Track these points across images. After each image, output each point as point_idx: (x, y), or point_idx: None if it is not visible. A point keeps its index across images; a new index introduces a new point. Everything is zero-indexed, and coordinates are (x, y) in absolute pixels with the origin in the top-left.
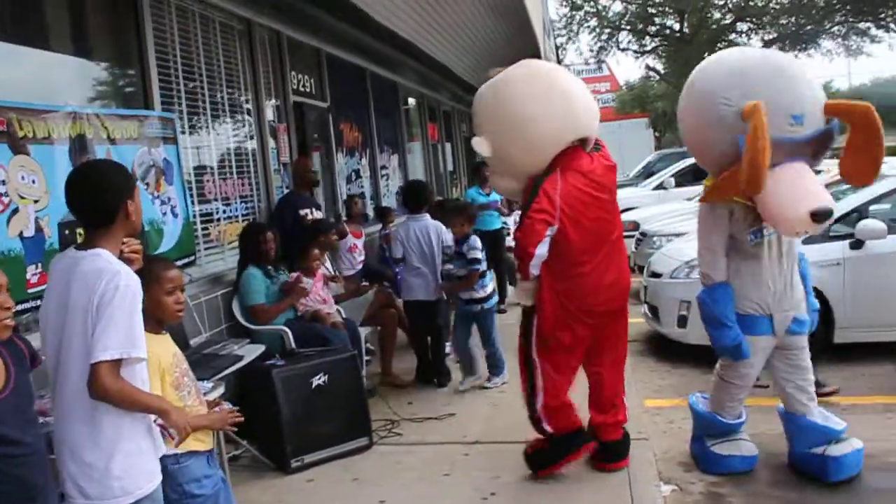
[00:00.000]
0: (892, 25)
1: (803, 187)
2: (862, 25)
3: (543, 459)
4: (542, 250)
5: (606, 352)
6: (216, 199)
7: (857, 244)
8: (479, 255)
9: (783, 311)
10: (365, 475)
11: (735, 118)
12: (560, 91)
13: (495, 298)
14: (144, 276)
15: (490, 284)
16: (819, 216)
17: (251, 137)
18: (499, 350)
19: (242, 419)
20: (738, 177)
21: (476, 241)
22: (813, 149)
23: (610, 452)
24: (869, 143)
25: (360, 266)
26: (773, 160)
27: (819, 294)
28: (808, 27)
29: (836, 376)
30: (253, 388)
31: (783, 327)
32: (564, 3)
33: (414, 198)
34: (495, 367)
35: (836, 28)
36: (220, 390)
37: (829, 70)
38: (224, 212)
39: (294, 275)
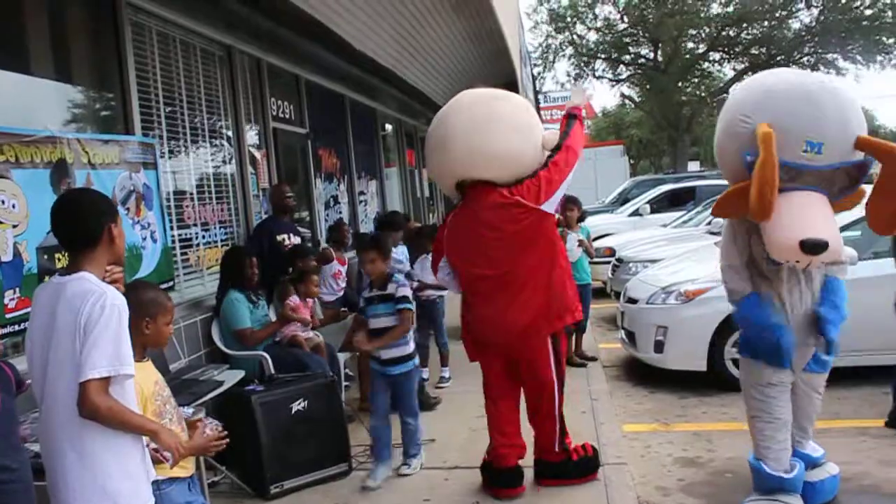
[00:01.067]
0: (858, 57)
1: (802, 216)
2: (829, 56)
3: (483, 476)
4: (440, 275)
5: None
6: (195, 224)
7: None
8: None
9: (801, 344)
10: (344, 501)
11: (749, 138)
12: (441, 136)
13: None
14: (131, 303)
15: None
16: (809, 248)
17: (230, 162)
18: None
19: (227, 442)
20: (747, 197)
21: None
22: (839, 181)
23: (539, 469)
24: (888, 193)
25: (340, 293)
26: (782, 185)
27: None
28: (779, 57)
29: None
30: (232, 414)
31: (803, 361)
32: (542, 30)
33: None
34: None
35: (804, 59)
36: (201, 415)
37: None
38: (203, 237)
39: (293, 299)
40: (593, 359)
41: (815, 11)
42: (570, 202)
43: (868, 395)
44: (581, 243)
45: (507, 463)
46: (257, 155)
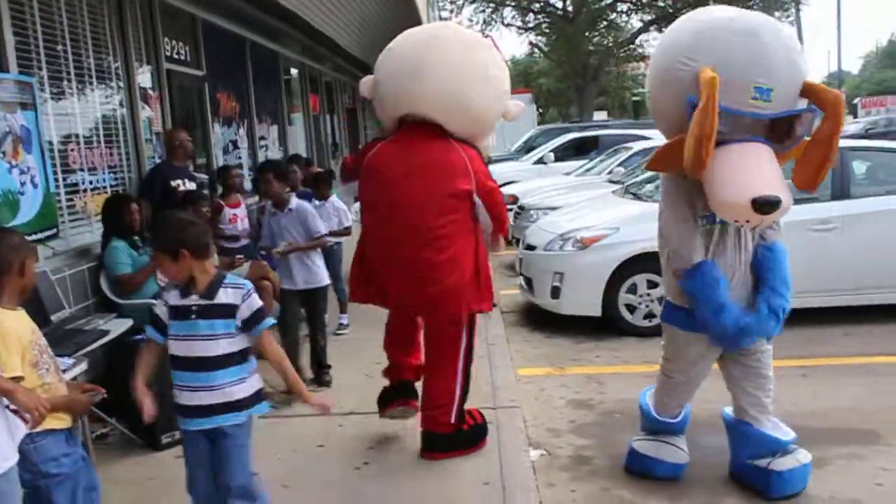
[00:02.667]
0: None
1: (751, 171)
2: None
3: (380, 401)
4: (346, 186)
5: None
6: (82, 170)
7: None
8: None
9: None
10: None
11: (692, 82)
12: (415, 63)
13: None
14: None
15: None
16: (762, 206)
17: (121, 105)
18: None
19: (105, 395)
20: (684, 150)
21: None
22: (782, 131)
23: (427, 441)
24: (825, 142)
25: (244, 240)
26: (726, 136)
27: None
28: (684, 10)
29: None
30: (121, 364)
31: None
32: None
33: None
34: None
35: None
36: (83, 367)
37: None
38: (91, 182)
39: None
40: (494, 305)
41: None
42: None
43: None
44: None
45: (404, 376)
46: (151, 97)
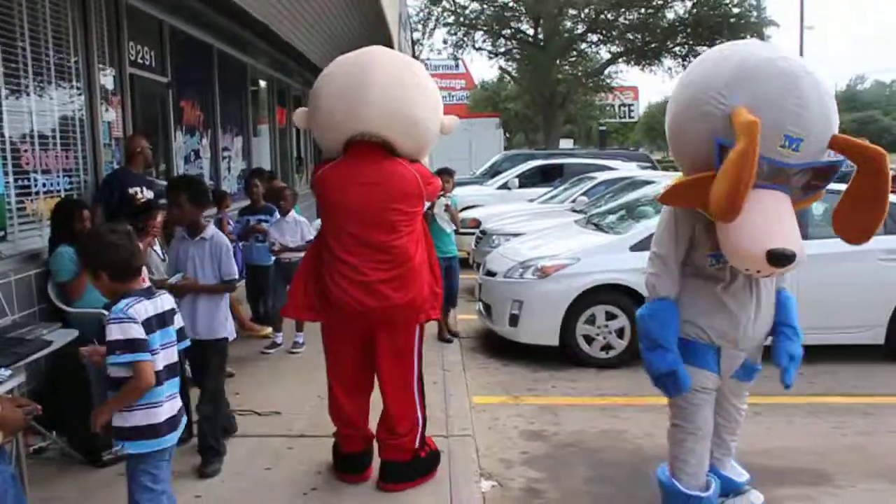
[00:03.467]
0: None
1: (770, 222)
2: (699, 49)
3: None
4: None
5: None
6: (35, 171)
7: None
8: None
9: (738, 349)
10: (182, 468)
11: (722, 121)
12: (358, 82)
13: None
14: None
15: None
16: (777, 259)
17: (80, 108)
18: None
19: (40, 411)
20: (708, 189)
21: None
22: (805, 181)
23: (386, 471)
24: (872, 196)
25: None
26: None
27: (642, 300)
28: (653, 45)
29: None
30: (64, 376)
31: (731, 368)
32: None
33: None
34: None
35: (676, 48)
36: (20, 378)
37: (668, 87)
38: (44, 185)
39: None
40: (456, 335)
41: (689, 4)
42: (444, 172)
43: None
44: (447, 209)
45: (352, 448)
46: (112, 101)
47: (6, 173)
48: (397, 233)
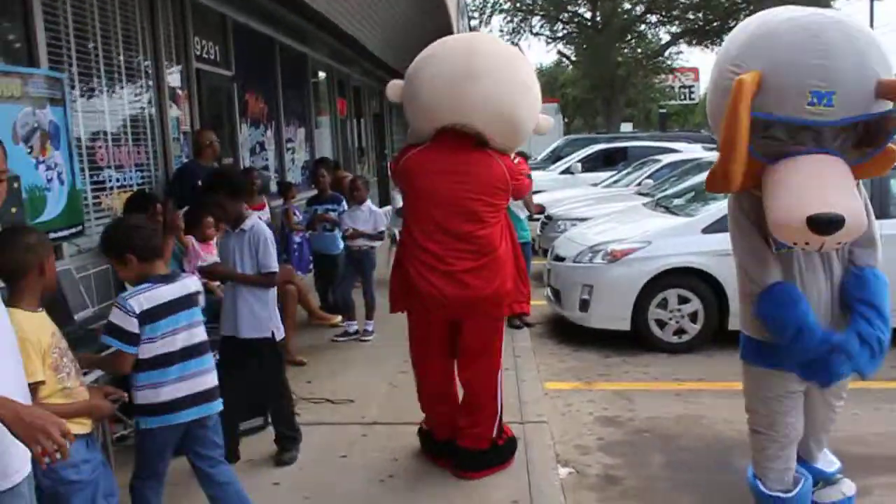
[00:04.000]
0: None
1: (808, 186)
2: None
3: (425, 445)
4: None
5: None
6: (109, 167)
7: None
8: None
9: None
10: (259, 456)
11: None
12: (465, 69)
13: None
14: (23, 248)
15: None
16: (820, 225)
17: (149, 104)
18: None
19: (126, 397)
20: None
21: None
22: (857, 139)
23: (464, 459)
24: None
25: None
26: (790, 147)
27: (715, 283)
28: (714, 23)
29: (728, 362)
30: None
31: None
32: None
33: None
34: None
35: None
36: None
37: None
38: (117, 180)
39: (191, 241)
40: (528, 323)
41: None
42: (519, 155)
43: None
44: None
45: (446, 434)
46: (179, 96)
47: (83, 170)
48: (483, 223)
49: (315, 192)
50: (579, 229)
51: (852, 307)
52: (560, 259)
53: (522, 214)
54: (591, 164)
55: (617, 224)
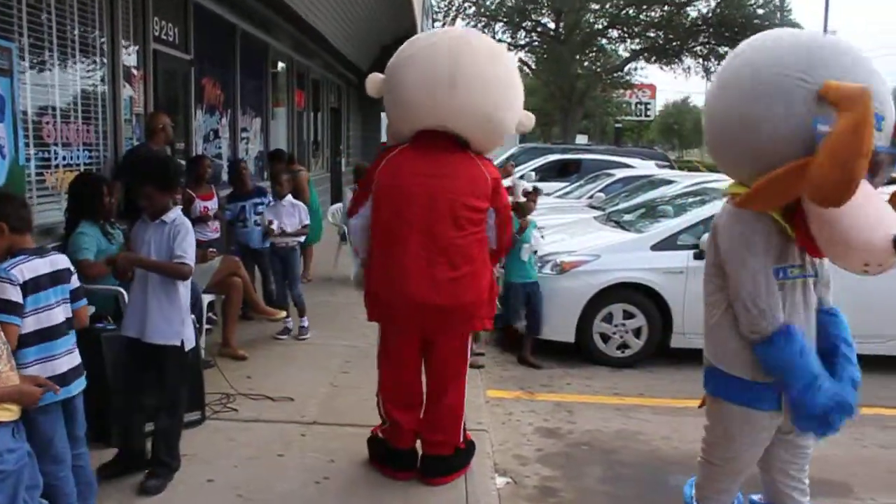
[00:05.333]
0: None
1: (883, 210)
2: (721, 49)
3: (375, 453)
4: (356, 221)
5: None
6: (56, 144)
7: (701, 255)
8: None
9: None
10: (194, 451)
11: (809, 100)
12: (447, 70)
13: None
14: None
15: None
16: None
17: (102, 82)
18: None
19: (58, 390)
20: (811, 178)
21: None
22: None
23: (431, 466)
24: None
25: (216, 233)
26: None
27: (660, 300)
28: (674, 43)
29: (669, 379)
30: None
31: None
32: None
33: None
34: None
35: (698, 48)
36: None
37: (686, 86)
38: (64, 158)
39: None
40: (538, 366)
41: (712, 3)
42: (534, 192)
43: None
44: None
45: (405, 444)
46: (134, 76)
47: (27, 145)
48: (463, 230)
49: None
50: None
51: (837, 349)
52: None
53: (525, 256)
54: (545, 173)
55: (567, 236)
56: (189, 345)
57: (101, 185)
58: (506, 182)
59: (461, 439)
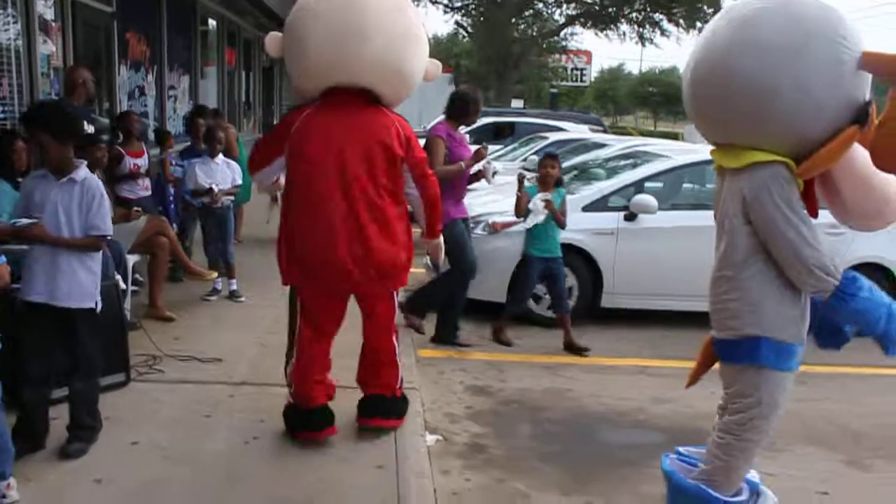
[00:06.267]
0: (681, 21)
1: None
2: (656, 17)
3: (291, 424)
4: (262, 174)
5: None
6: None
7: (631, 217)
8: None
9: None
10: (118, 414)
11: (851, 66)
12: (355, 22)
13: None
14: None
15: None
16: None
17: (17, 36)
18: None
19: None
20: (873, 143)
21: None
22: None
23: (372, 406)
24: None
25: (146, 191)
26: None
27: (591, 261)
28: (610, 9)
29: (599, 338)
30: None
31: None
32: None
33: None
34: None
35: (633, 14)
36: None
37: (621, 52)
38: None
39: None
40: (584, 349)
41: None
42: (548, 157)
43: (649, 336)
44: (548, 205)
45: (318, 402)
46: (52, 28)
47: None
48: (380, 186)
49: (188, 142)
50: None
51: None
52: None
53: (541, 218)
54: (479, 136)
55: (499, 196)
56: (100, 305)
57: (12, 140)
58: (477, 166)
59: (398, 386)
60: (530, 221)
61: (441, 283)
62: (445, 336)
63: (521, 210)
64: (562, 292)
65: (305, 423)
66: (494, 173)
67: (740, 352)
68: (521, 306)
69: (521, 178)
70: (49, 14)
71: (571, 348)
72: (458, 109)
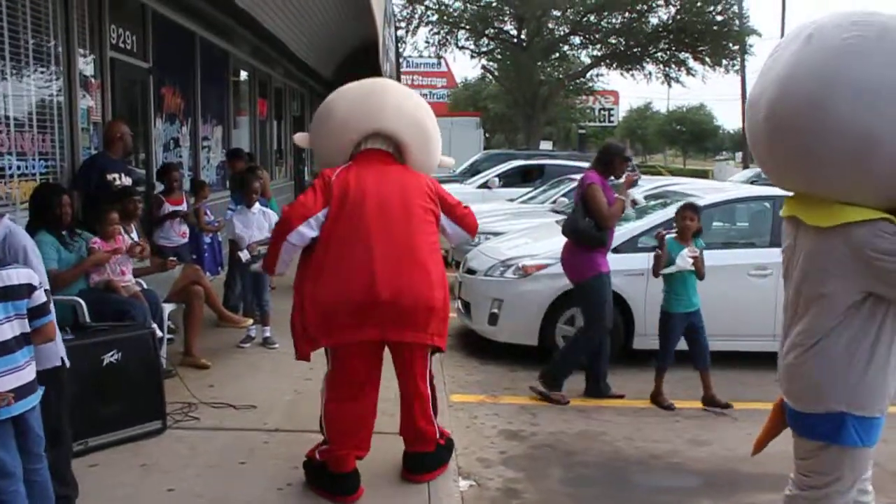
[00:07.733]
0: (706, 59)
1: None
2: (682, 55)
3: (315, 478)
4: (296, 237)
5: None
6: (10, 154)
7: None
8: None
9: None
10: (155, 461)
11: None
12: (377, 88)
13: None
14: None
15: None
16: None
17: (59, 91)
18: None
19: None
20: None
21: None
22: None
23: (417, 463)
24: None
25: (184, 238)
26: None
27: (622, 302)
28: (636, 49)
29: (632, 380)
30: None
31: None
32: None
33: None
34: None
35: (658, 54)
36: None
37: (647, 91)
38: (19, 168)
39: (94, 240)
40: (728, 405)
41: (672, 10)
42: (689, 209)
43: (683, 377)
44: (696, 261)
45: (347, 468)
46: (91, 85)
47: None
48: (424, 236)
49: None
50: (492, 243)
51: None
52: (471, 272)
53: (687, 263)
54: (508, 179)
55: (530, 240)
56: (67, 363)
57: (57, 194)
58: (632, 193)
59: (438, 435)
60: (666, 271)
61: (576, 347)
62: (598, 390)
63: (660, 267)
64: (705, 346)
65: (338, 486)
66: (634, 202)
67: (822, 429)
68: (669, 362)
69: (660, 238)
70: (89, 70)
71: (712, 403)
72: (604, 162)
